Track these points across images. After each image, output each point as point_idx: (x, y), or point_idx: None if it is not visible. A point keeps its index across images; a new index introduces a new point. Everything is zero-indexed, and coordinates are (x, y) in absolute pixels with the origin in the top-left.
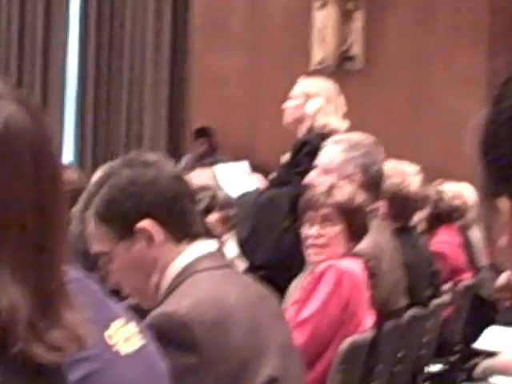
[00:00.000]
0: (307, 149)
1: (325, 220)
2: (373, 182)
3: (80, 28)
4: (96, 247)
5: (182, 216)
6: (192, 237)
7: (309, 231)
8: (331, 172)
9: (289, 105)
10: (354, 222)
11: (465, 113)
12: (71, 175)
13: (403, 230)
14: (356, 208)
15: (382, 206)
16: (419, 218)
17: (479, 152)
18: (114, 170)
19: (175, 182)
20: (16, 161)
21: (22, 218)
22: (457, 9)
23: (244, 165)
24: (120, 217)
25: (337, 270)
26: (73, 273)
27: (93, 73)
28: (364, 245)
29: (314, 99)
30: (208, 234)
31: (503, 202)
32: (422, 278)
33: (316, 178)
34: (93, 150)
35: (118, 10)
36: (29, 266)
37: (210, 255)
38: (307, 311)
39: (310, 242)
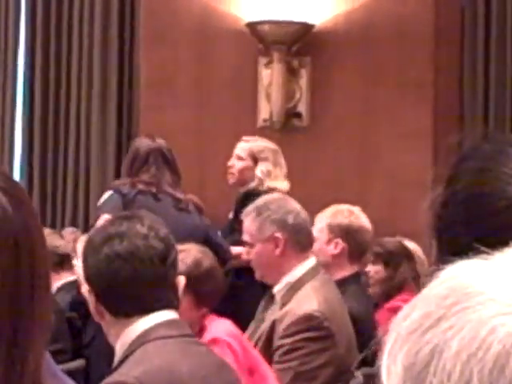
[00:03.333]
0: (250, 201)
1: None
2: (297, 230)
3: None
4: None
5: (113, 295)
6: (130, 315)
7: None
8: (255, 243)
9: (237, 165)
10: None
11: (410, 168)
12: (56, 241)
13: (357, 276)
14: (203, 274)
15: (337, 243)
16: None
17: (433, 232)
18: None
19: (115, 259)
20: None
21: None
22: (401, 67)
23: None
24: None
25: None
26: None
27: (38, 138)
28: (315, 305)
29: (262, 163)
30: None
31: None
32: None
33: (249, 255)
34: (41, 184)
35: (63, 73)
36: (1, 360)
37: (166, 324)
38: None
39: None
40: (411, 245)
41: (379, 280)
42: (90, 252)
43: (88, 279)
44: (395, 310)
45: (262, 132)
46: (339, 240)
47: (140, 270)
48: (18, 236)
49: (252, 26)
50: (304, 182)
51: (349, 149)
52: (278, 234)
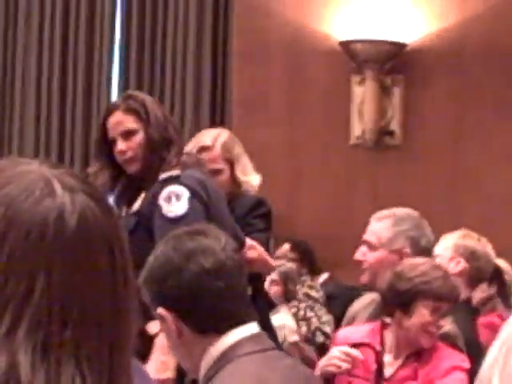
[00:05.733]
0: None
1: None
2: (422, 256)
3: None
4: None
5: (202, 312)
6: (220, 331)
7: (436, 320)
8: (379, 248)
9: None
10: None
11: (504, 191)
12: None
13: (469, 302)
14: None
15: (460, 262)
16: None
17: None
18: (161, 244)
19: (205, 276)
20: (93, 254)
21: (99, 313)
22: (497, 86)
23: None
24: (149, 294)
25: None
26: None
27: None
28: (448, 326)
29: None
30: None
31: None
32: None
33: (363, 256)
34: None
35: (156, 91)
36: (104, 362)
37: (251, 338)
38: None
39: (434, 330)
40: (503, 263)
41: None
42: (173, 271)
43: (167, 300)
44: (490, 327)
45: (355, 149)
46: (462, 259)
47: (229, 284)
48: (111, 240)
49: (345, 44)
50: (395, 200)
51: (441, 168)
52: (406, 251)
